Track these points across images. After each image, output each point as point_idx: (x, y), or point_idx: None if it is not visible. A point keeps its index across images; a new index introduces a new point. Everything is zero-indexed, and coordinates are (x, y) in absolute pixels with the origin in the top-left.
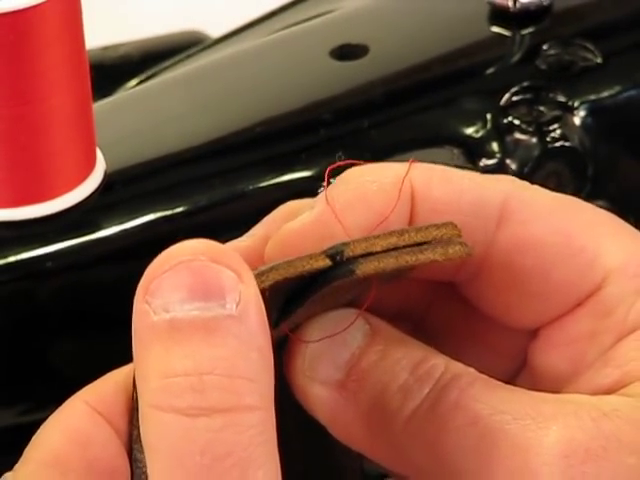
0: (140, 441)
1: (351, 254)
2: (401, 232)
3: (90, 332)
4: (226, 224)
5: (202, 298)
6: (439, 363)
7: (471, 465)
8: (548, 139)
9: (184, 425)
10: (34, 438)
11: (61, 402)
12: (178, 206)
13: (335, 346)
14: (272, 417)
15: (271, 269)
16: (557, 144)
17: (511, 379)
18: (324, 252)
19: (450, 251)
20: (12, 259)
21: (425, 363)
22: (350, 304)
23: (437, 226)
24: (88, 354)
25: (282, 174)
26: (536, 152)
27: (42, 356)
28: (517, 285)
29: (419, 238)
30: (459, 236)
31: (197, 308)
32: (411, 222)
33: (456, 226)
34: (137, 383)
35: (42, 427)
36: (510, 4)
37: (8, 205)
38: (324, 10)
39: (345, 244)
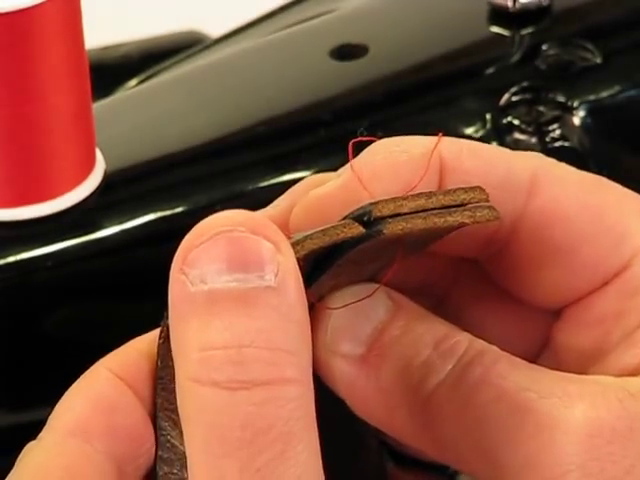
0: (164, 409)
1: (379, 214)
2: (429, 195)
3: (90, 332)
4: None
5: (241, 269)
6: (462, 339)
7: (495, 441)
8: (548, 139)
9: (224, 399)
10: (57, 406)
11: (57, 400)
12: (178, 206)
13: (357, 320)
14: (311, 390)
15: (306, 238)
16: (557, 144)
17: (534, 359)
18: (352, 213)
19: (478, 214)
20: (12, 259)
21: (448, 339)
22: (373, 279)
23: (465, 190)
24: (88, 354)
25: (282, 174)
26: (536, 152)
27: (41, 355)
28: (544, 261)
29: (447, 201)
30: (487, 200)
31: (236, 279)
32: None
33: (484, 190)
34: (174, 355)
35: (65, 395)
36: (509, 4)
37: (8, 205)
38: (324, 10)
39: (373, 204)
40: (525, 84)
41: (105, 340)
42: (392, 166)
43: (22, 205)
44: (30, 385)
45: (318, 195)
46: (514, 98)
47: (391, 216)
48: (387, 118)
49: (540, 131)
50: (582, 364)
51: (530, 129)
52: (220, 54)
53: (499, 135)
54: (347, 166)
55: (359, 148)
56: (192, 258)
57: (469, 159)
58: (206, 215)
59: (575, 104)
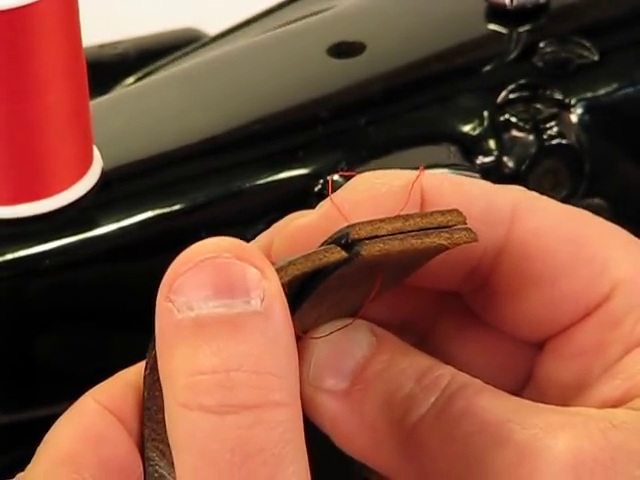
0: (152, 440)
1: (356, 236)
2: (406, 217)
3: (87, 330)
4: (223, 222)
5: (227, 295)
6: (445, 373)
7: (478, 473)
8: (545, 137)
9: (213, 423)
10: (46, 437)
11: (57, 400)
12: (175, 204)
13: (340, 355)
14: (300, 413)
15: (289, 264)
16: (554, 142)
17: (518, 393)
18: (330, 238)
19: (456, 236)
20: (9, 257)
21: (431, 373)
22: (355, 313)
23: (442, 212)
24: (85, 352)
25: (279, 172)
26: (533, 150)
27: (38, 354)
28: (524, 293)
29: (424, 224)
30: (465, 223)
31: (222, 305)
32: None
33: (461, 213)
34: (162, 382)
35: (54, 426)
36: (507, 1)
37: (5, 203)
38: (321, 8)
39: (350, 226)
40: (522, 82)
41: (102, 337)
42: (372, 198)
43: (19, 203)
44: (29, 384)
45: (299, 225)
46: (511, 95)
47: (368, 238)
48: (384, 115)
49: (537, 128)
50: (565, 396)
51: (527, 127)
52: (217, 52)
53: (496, 133)
54: (327, 199)
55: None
56: (178, 285)
57: (450, 192)
58: (203, 213)
59: (572, 102)
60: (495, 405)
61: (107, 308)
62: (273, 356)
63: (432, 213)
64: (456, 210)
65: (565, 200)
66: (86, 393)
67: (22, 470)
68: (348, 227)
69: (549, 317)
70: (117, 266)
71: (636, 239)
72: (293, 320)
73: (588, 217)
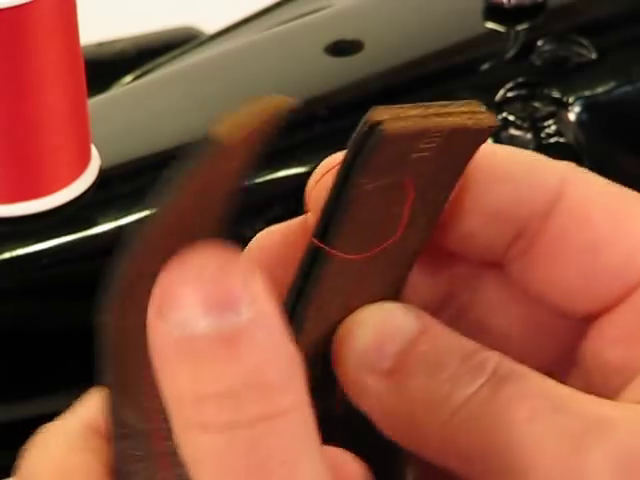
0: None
1: (378, 118)
2: (427, 105)
3: (85, 329)
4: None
5: (217, 309)
6: (492, 356)
7: (526, 462)
8: (543, 135)
9: (225, 441)
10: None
11: (56, 399)
12: None
13: (384, 338)
14: (310, 412)
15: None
16: (552, 140)
17: (559, 372)
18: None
19: (478, 116)
20: (7, 255)
21: (477, 355)
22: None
23: (462, 103)
24: (83, 350)
25: (277, 170)
26: (531, 148)
27: (36, 352)
28: (566, 263)
29: (445, 110)
30: (484, 111)
31: (215, 321)
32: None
33: (480, 103)
34: (168, 405)
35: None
36: (505, 0)
37: (2, 201)
38: (319, 6)
39: (370, 111)
40: (520, 80)
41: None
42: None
43: (17, 201)
44: (28, 382)
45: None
46: (509, 94)
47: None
48: None
49: (535, 127)
50: (609, 382)
51: (525, 125)
52: (215, 50)
53: (494, 131)
54: None
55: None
56: (168, 305)
57: (503, 151)
58: None
59: (570, 100)
60: (547, 393)
61: None
62: (274, 363)
63: (452, 103)
64: (475, 101)
65: None
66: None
67: None
68: (368, 113)
69: (589, 289)
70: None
71: None
72: (336, 246)
73: (633, 195)
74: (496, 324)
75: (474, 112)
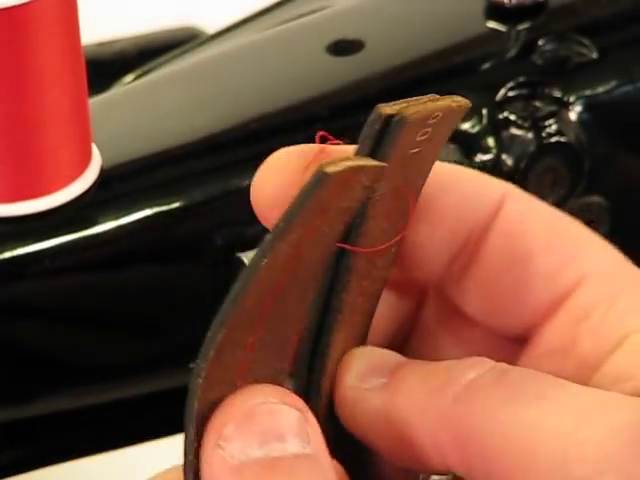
0: None
1: (390, 112)
2: (418, 98)
3: (86, 328)
4: (222, 220)
5: (276, 440)
6: (487, 359)
7: (530, 440)
8: (544, 134)
9: None
10: None
11: (56, 399)
12: (174, 202)
13: (380, 361)
14: None
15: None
16: (553, 139)
17: None
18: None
19: (457, 98)
20: (7, 255)
21: (473, 358)
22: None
23: (430, 95)
24: (83, 350)
25: None
26: (532, 147)
27: (36, 352)
28: (501, 277)
29: (428, 99)
30: (454, 96)
31: (271, 450)
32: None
33: (457, 96)
34: None
35: None
36: None
37: (3, 200)
38: (320, 6)
39: (380, 108)
40: (521, 79)
41: (101, 335)
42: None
43: (18, 201)
44: (27, 381)
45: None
46: (510, 93)
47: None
48: None
49: (536, 126)
50: None
51: (526, 124)
52: (216, 50)
53: (495, 130)
54: None
55: None
56: (228, 433)
57: (447, 171)
58: (202, 211)
59: (571, 99)
60: (551, 378)
61: (106, 306)
62: None
63: (425, 96)
64: (451, 95)
65: (564, 198)
66: None
67: (22, 471)
68: (377, 108)
69: (522, 300)
70: (116, 264)
71: (610, 245)
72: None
73: (570, 218)
74: (437, 345)
75: (449, 97)
